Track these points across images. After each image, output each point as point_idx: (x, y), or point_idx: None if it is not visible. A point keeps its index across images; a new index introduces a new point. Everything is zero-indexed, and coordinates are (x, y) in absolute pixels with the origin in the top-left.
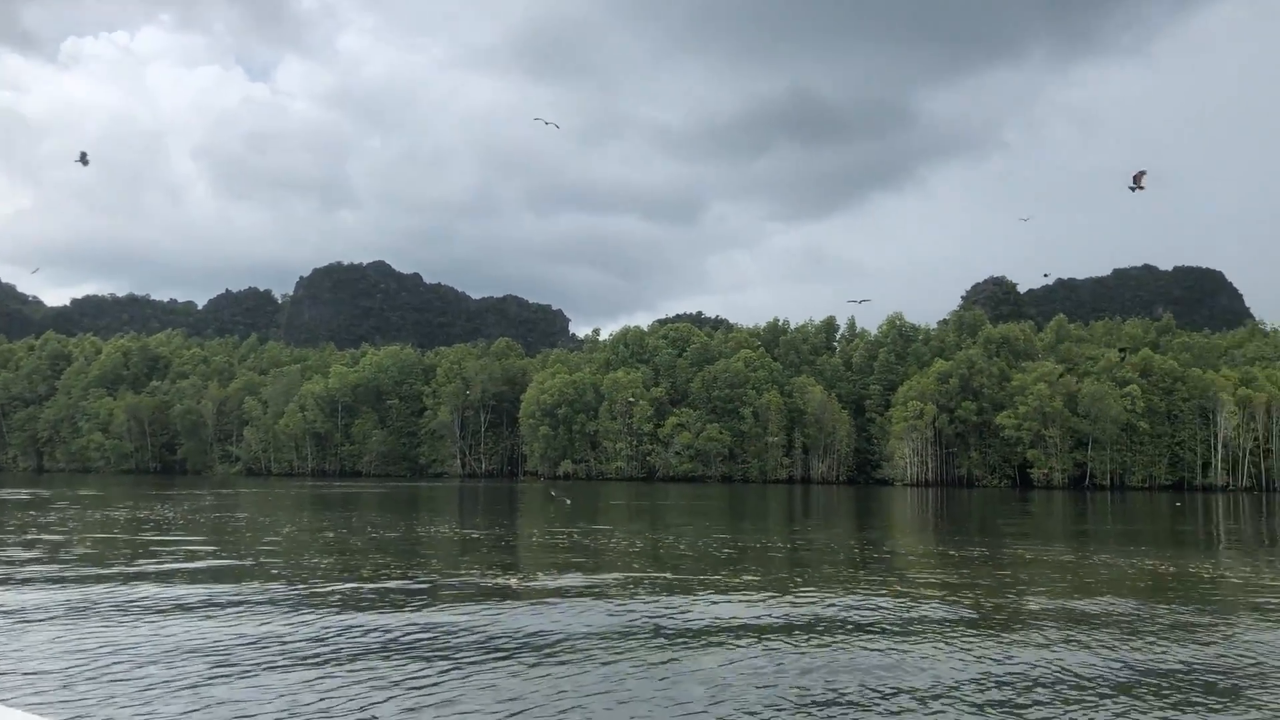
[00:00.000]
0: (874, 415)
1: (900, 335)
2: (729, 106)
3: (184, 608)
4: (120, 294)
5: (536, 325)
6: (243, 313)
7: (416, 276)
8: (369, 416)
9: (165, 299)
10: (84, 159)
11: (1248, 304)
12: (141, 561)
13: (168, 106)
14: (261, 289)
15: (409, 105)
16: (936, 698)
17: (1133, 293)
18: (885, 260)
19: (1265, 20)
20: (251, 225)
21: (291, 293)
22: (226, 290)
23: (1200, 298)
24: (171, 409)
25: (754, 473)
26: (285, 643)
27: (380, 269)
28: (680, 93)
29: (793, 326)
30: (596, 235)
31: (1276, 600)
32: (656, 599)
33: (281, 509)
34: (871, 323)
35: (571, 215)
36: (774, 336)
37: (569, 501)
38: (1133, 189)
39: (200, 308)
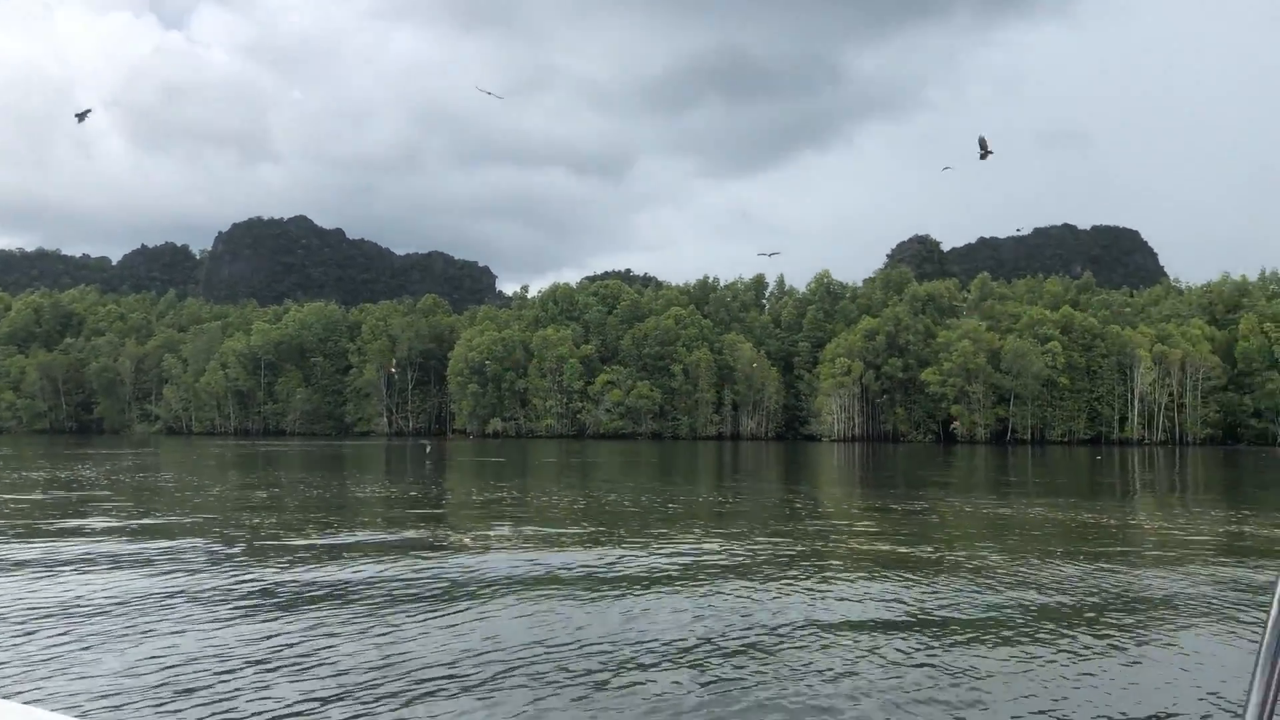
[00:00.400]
0: (802, 372)
1: (828, 293)
2: (658, 61)
3: (118, 564)
4: (30, 249)
5: (463, 282)
6: (160, 268)
7: (339, 232)
8: (293, 374)
9: (78, 254)
10: (83, 116)
11: (1161, 262)
12: (67, 520)
13: (77, 54)
14: (179, 244)
15: (332, 57)
16: (889, 643)
17: (1053, 251)
18: (812, 217)
19: None
20: (168, 179)
21: (210, 248)
22: (142, 245)
23: (1118, 256)
24: (87, 367)
25: (684, 430)
26: (227, 597)
27: (302, 224)
28: (610, 47)
29: (722, 284)
30: (524, 191)
31: (1213, 548)
32: (607, 551)
33: (207, 468)
34: (800, 280)
35: (498, 170)
36: (703, 294)
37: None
38: (982, 156)
39: (115, 263)
